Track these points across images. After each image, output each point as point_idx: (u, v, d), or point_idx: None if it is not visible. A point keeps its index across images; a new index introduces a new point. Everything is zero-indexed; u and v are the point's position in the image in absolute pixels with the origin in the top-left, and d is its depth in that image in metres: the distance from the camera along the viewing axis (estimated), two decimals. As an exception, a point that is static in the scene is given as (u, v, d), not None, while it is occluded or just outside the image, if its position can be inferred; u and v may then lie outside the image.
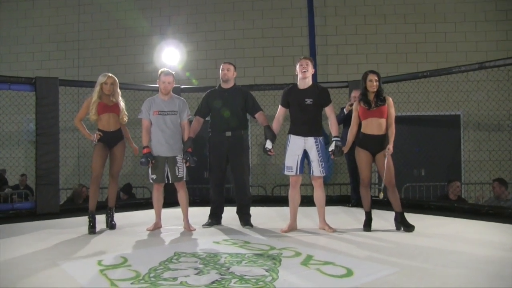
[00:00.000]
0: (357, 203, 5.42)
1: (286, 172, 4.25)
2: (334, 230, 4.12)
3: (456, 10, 8.39)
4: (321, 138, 4.19)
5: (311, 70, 4.19)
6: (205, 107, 4.61)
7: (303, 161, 4.20)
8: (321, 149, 4.15)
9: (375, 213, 4.53)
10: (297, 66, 4.22)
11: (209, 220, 4.59)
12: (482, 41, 8.23)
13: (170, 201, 5.25)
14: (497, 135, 7.52)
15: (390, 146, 4.06)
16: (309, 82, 4.21)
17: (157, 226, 4.41)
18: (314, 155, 4.14)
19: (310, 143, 4.15)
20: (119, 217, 4.75)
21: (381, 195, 4.12)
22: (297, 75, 4.25)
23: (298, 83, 4.25)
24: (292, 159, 4.19)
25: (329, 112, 4.23)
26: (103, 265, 2.97)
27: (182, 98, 4.58)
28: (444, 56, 8.17)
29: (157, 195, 4.46)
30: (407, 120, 7.37)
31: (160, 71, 4.42)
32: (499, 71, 6.31)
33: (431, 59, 8.16)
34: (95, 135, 4.32)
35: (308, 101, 4.12)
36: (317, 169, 4.14)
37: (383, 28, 8.57)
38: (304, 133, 4.15)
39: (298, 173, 4.20)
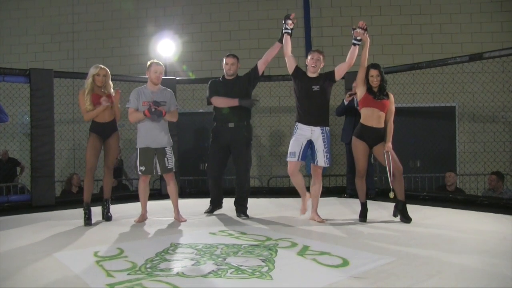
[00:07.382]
0: (352, 194, 5.44)
1: (288, 158, 4.27)
2: (323, 221, 4.17)
3: (451, 2, 8.36)
4: (327, 128, 4.23)
5: (319, 66, 4.24)
6: (214, 90, 4.59)
7: (306, 149, 4.23)
8: (327, 140, 4.20)
9: (371, 204, 4.55)
10: (308, 58, 4.25)
11: (210, 206, 4.74)
12: (477, 32, 8.22)
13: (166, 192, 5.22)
14: (492, 126, 7.56)
15: (389, 144, 4.10)
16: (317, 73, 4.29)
17: (143, 218, 4.40)
18: (319, 145, 4.18)
19: (316, 134, 4.19)
20: (115, 209, 4.75)
21: (391, 195, 4.13)
22: (306, 65, 4.30)
23: (307, 71, 4.29)
24: (296, 145, 4.22)
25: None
26: (99, 256, 2.97)
27: (169, 89, 4.53)
28: (439, 47, 8.17)
29: (144, 186, 4.43)
30: (402, 111, 7.36)
31: (150, 61, 4.39)
32: (494, 63, 6.33)
33: (427, 50, 8.17)
34: (102, 99, 4.25)
35: (315, 87, 4.17)
36: (321, 159, 4.19)
37: (378, 19, 8.53)
38: (311, 123, 4.19)
39: (299, 159, 4.22)
